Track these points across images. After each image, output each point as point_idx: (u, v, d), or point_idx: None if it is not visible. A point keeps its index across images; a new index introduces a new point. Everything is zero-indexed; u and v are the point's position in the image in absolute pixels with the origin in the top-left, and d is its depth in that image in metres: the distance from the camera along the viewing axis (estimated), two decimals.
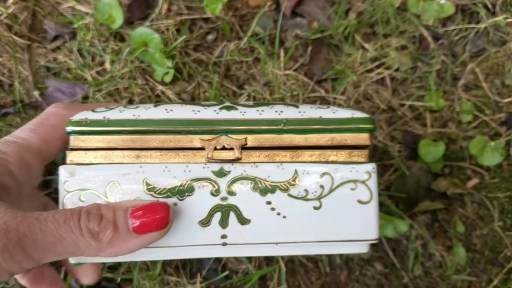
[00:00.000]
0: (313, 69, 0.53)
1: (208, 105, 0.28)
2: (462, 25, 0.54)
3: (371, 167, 0.29)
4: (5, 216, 0.22)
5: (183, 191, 0.27)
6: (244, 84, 0.53)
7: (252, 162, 0.28)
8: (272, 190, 0.28)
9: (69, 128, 0.27)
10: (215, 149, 0.27)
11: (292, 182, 0.28)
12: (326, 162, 0.28)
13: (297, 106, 0.29)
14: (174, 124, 0.27)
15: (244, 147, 0.28)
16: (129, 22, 0.52)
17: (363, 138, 0.29)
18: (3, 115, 0.50)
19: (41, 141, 0.29)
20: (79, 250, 0.24)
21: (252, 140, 0.28)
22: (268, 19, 0.54)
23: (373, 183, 0.29)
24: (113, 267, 0.50)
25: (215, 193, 0.27)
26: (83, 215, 0.24)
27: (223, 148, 0.27)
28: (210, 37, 0.54)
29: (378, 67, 0.54)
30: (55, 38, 0.53)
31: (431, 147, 0.51)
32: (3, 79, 0.51)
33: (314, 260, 0.51)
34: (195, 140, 0.27)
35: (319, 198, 0.28)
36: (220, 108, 0.28)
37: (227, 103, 0.29)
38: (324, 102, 0.53)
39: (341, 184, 0.28)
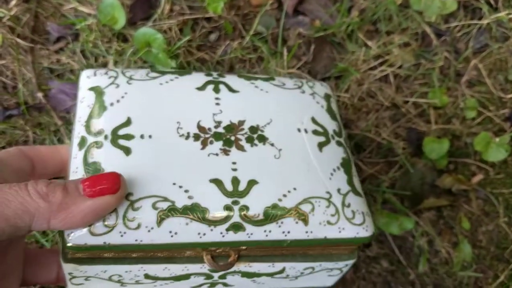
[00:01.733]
0: (316, 67, 0.53)
1: (215, 223, 0.27)
2: (464, 21, 0.54)
3: (352, 262, 0.31)
4: None
5: (179, 279, 0.30)
6: None
7: (247, 263, 0.29)
8: (259, 276, 0.31)
9: (68, 252, 0.27)
10: (214, 252, 0.28)
11: (279, 273, 0.31)
12: (314, 259, 0.30)
13: (306, 223, 0.28)
14: (177, 247, 0.27)
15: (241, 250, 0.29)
16: (132, 23, 0.52)
17: (354, 246, 0.30)
18: (7, 117, 0.50)
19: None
20: (28, 214, 0.23)
21: (251, 248, 0.29)
22: (270, 17, 0.54)
23: (347, 268, 0.32)
24: None
25: (208, 279, 0.31)
26: (30, 182, 0.23)
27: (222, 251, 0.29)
28: (212, 36, 0.54)
29: (381, 64, 0.53)
30: (58, 39, 0.53)
31: (435, 143, 0.51)
32: (6, 81, 0.51)
33: None
34: (197, 249, 0.28)
35: (296, 277, 0.32)
36: (227, 229, 0.27)
37: (236, 218, 0.27)
38: None
39: (320, 271, 0.31)
